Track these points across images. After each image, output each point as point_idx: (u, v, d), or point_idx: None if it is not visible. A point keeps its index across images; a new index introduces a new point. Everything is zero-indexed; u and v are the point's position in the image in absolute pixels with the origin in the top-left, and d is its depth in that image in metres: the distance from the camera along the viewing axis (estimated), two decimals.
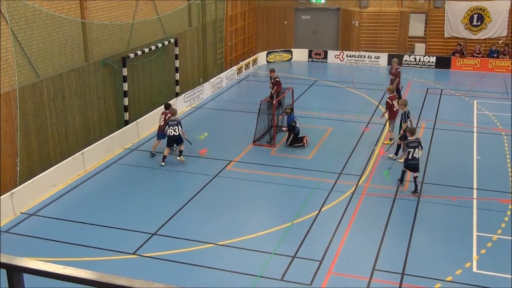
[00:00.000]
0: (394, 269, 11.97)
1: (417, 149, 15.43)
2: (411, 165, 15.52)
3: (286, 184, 16.25)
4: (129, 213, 14.45)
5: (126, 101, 20.34)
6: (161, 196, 15.47)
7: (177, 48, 23.92)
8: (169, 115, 17.82)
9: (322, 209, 14.62)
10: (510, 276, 11.72)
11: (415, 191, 15.47)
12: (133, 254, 12.47)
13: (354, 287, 11.33)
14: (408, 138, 15.71)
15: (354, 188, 15.85)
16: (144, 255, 12.43)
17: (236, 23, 31.55)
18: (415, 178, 15.49)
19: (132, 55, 20.47)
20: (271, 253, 12.49)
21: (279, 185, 16.23)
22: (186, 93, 23.77)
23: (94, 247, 12.68)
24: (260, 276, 11.61)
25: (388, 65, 31.23)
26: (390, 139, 19.12)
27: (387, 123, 19.63)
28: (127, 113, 20.44)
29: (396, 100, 19.23)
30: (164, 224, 13.80)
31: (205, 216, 14.34)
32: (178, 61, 24.12)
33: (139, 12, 21.51)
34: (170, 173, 17.15)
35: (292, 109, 19.37)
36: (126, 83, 20.18)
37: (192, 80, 26.30)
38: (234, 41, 31.38)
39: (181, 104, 23.03)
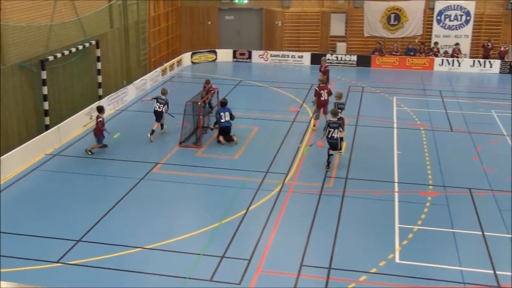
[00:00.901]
0: (321, 264, 12.22)
1: (336, 130, 16.81)
2: (330, 143, 17.03)
3: (214, 185, 16.26)
4: (52, 220, 14.02)
5: (46, 105, 19.72)
6: (86, 202, 15.09)
7: (99, 50, 23.41)
8: (102, 118, 18.35)
9: (250, 208, 14.74)
10: (430, 265, 12.24)
11: (327, 166, 17.10)
12: (57, 262, 12.11)
13: (282, 283, 11.49)
14: (330, 119, 17.13)
15: (280, 186, 16.06)
16: (69, 263, 12.10)
17: (159, 24, 31.23)
18: (330, 155, 17.09)
19: (51, 58, 19.88)
20: (200, 254, 12.47)
21: (207, 186, 16.22)
22: (109, 95, 23.33)
23: (16, 257, 12.21)
24: (189, 278, 11.57)
25: (311, 64, 32.10)
26: (314, 125, 20.85)
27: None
28: (48, 117, 19.82)
29: (326, 90, 20.46)
30: (89, 230, 13.48)
31: (132, 220, 14.14)
32: (100, 63, 23.60)
33: (58, 14, 20.90)
34: (95, 177, 16.79)
35: (222, 103, 19.68)
36: (46, 87, 19.59)
37: (115, 82, 25.81)
38: (157, 42, 31.05)
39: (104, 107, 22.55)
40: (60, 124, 19.55)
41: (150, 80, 27.25)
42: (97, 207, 14.66)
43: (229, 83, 27.96)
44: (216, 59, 33.57)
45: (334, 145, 16.98)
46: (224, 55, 33.66)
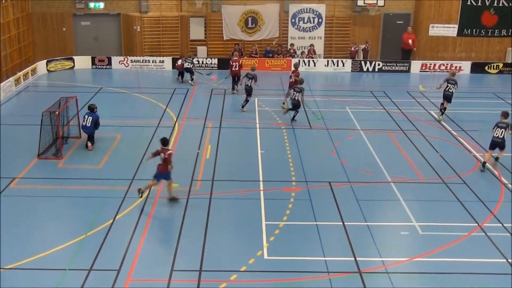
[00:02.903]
0: (191, 267, 12.27)
1: (298, 94, 22.14)
2: (292, 103, 22.33)
3: (77, 196, 15.69)
4: None
5: None
6: None
7: None
8: (171, 151, 15.30)
9: (117, 217, 14.42)
10: (297, 258, 12.75)
11: (293, 119, 22.64)
12: None
13: None
14: (298, 85, 22.63)
15: (147, 192, 15.86)
16: None
17: (9, 31, 29.51)
18: (289, 109, 22.70)
19: None
20: (65, 270, 12.00)
21: (70, 198, 15.62)
22: None
23: None
24: None
25: (173, 68, 31.94)
26: (283, 103, 24.37)
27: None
28: None
29: (294, 74, 24.78)
30: None
31: None
32: None
33: None
34: None
35: (89, 107, 19.67)
36: None
37: None
38: (8, 50, 29.33)
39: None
40: None
41: (3, 91, 25.70)
42: None
43: (89, 90, 27.14)
44: (74, 66, 32.39)
45: (296, 104, 22.29)
46: (82, 62, 32.58)
